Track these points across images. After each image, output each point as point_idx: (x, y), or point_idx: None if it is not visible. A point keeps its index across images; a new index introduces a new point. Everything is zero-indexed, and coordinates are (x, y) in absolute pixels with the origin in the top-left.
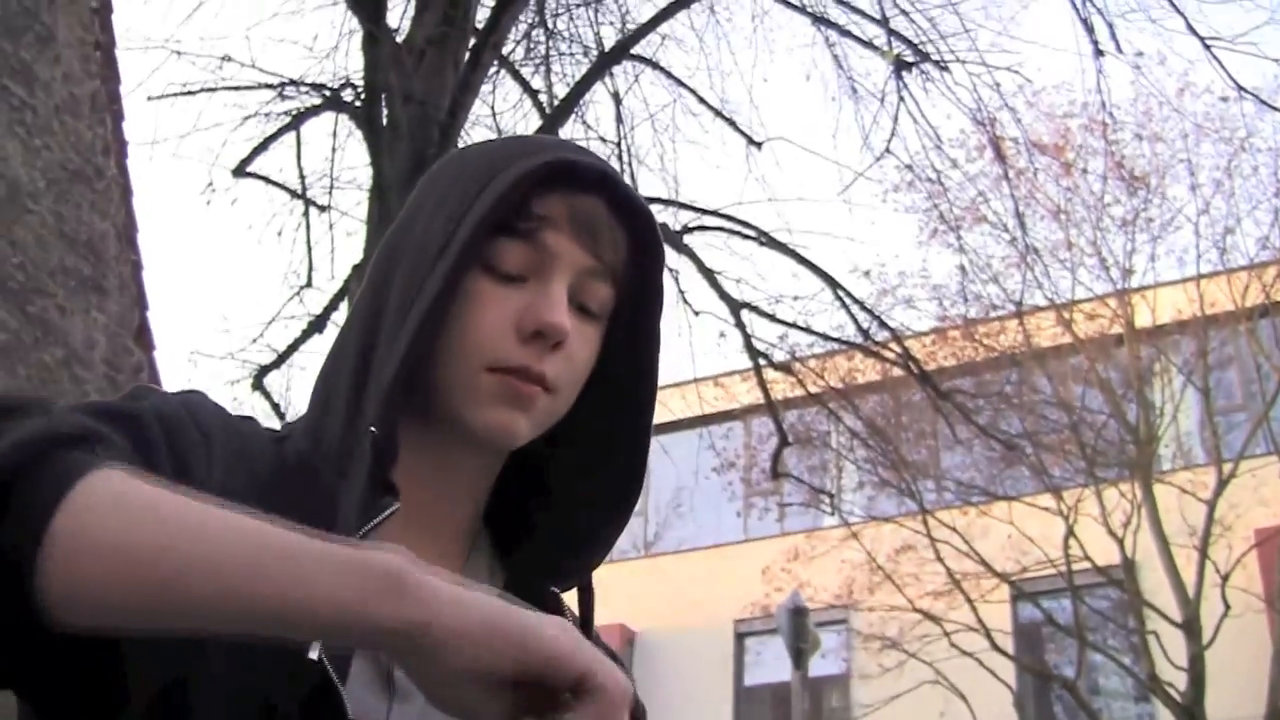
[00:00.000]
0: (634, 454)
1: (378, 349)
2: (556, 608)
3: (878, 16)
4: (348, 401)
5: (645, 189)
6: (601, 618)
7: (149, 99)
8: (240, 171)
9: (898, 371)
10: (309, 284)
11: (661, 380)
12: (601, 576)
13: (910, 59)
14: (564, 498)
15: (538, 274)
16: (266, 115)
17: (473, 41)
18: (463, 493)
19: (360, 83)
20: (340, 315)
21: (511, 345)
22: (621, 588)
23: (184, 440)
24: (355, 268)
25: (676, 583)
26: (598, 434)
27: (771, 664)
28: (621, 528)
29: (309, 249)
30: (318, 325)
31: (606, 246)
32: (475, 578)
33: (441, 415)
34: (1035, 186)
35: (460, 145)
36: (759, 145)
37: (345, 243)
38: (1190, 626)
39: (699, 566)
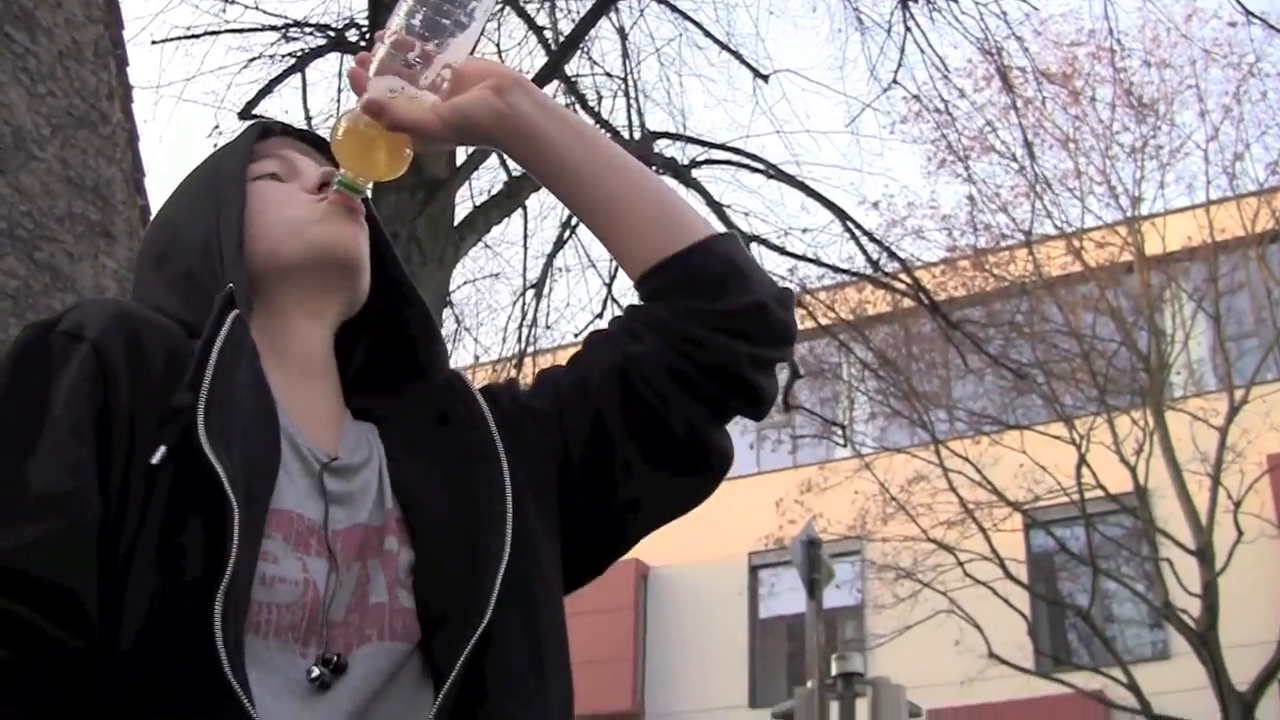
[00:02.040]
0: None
1: (218, 254)
2: (460, 383)
3: None
4: (212, 279)
5: (652, 123)
6: None
7: (153, 43)
8: (246, 114)
9: (908, 302)
10: None
11: None
12: None
13: None
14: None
15: (291, 172)
16: (271, 58)
17: None
18: (320, 365)
19: (364, 22)
20: None
21: (309, 195)
22: None
23: (118, 356)
24: None
25: (689, 517)
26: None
27: (786, 596)
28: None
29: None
30: None
31: (317, 151)
32: (351, 424)
33: (283, 293)
34: (1043, 115)
35: None
36: (766, 78)
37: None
38: (1203, 553)
39: (711, 500)
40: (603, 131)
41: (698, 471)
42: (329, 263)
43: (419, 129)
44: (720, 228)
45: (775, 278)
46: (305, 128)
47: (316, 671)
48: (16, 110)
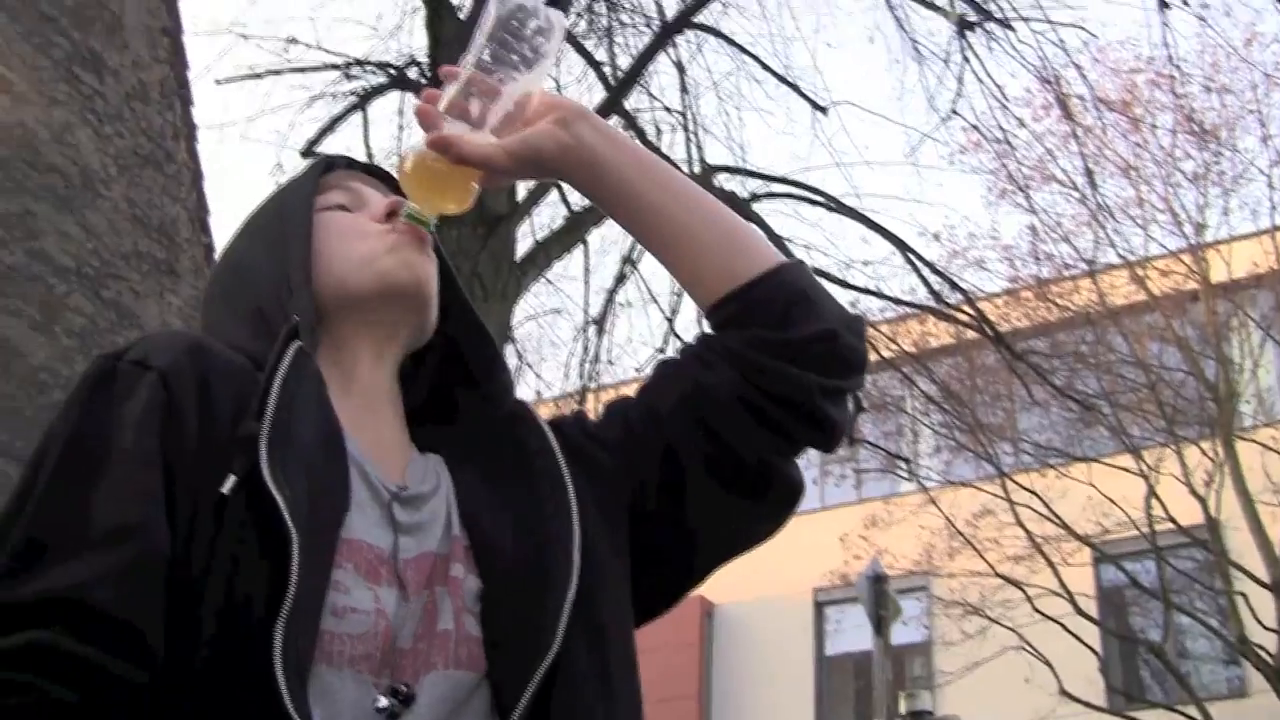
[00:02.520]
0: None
1: (286, 287)
2: (525, 412)
3: None
4: (276, 318)
5: (712, 157)
6: None
7: (217, 83)
8: (308, 153)
9: (971, 334)
10: None
11: None
12: None
13: (973, 18)
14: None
15: (359, 202)
16: (333, 96)
17: None
18: (387, 396)
19: (425, 60)
20: None
21: (378, 226)
22: None
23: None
24: None
25: (754, 554)
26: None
27: (852, 633)
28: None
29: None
30: None
31: (382, 183)
32: (417, 455)
33: (351, 325)
34: (1104, 143)
35: None
36: (824, 110)
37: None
38: (1279, 586)
39: (776, 537)
40: (666, 162)
41: (769, 503)
42: (398, 294)
43: (486, 164)
44: (786, 257)
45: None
46: (369, 163)
47: (385, 702)
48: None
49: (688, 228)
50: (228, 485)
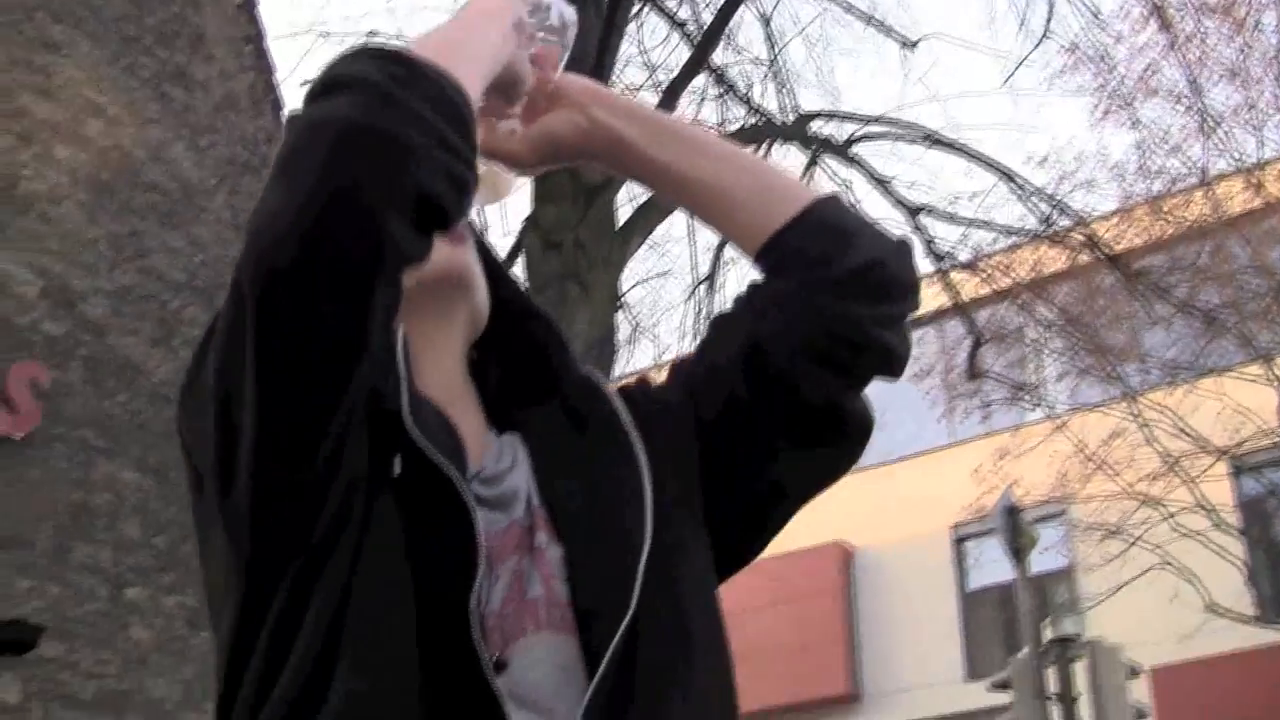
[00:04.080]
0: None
1: None
2: (592, 383)
3: None
4: None
5: (805, 105)
6: (817, 537)
7: (302, 84)
8: None
9: (1086, 257)
10: None
11: None
12: None
13: None
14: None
15: None
16: None
17: None
18: (457, 388)
19: None
20: (517, 269)
21: None
22: (834, 506)
23: None
24: (527, 221)
25: (888, 495)
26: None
27: (993, 566)
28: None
29: (480, 208)
30: None
31: None
32: (492, 435)
33: (407, 323)
34: (1207, 50)
35: (612, 88)
36: (913, 46)
37: (513, 198)
38: None
39: (909, 476)
40: (688, 121)
41: (840, 443)
42: (437, 285)
43: (509, 159)
44: (821, 191)
45: (947, 245)
46: None
47: None
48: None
49: (718, 185)
50: (396, 467)
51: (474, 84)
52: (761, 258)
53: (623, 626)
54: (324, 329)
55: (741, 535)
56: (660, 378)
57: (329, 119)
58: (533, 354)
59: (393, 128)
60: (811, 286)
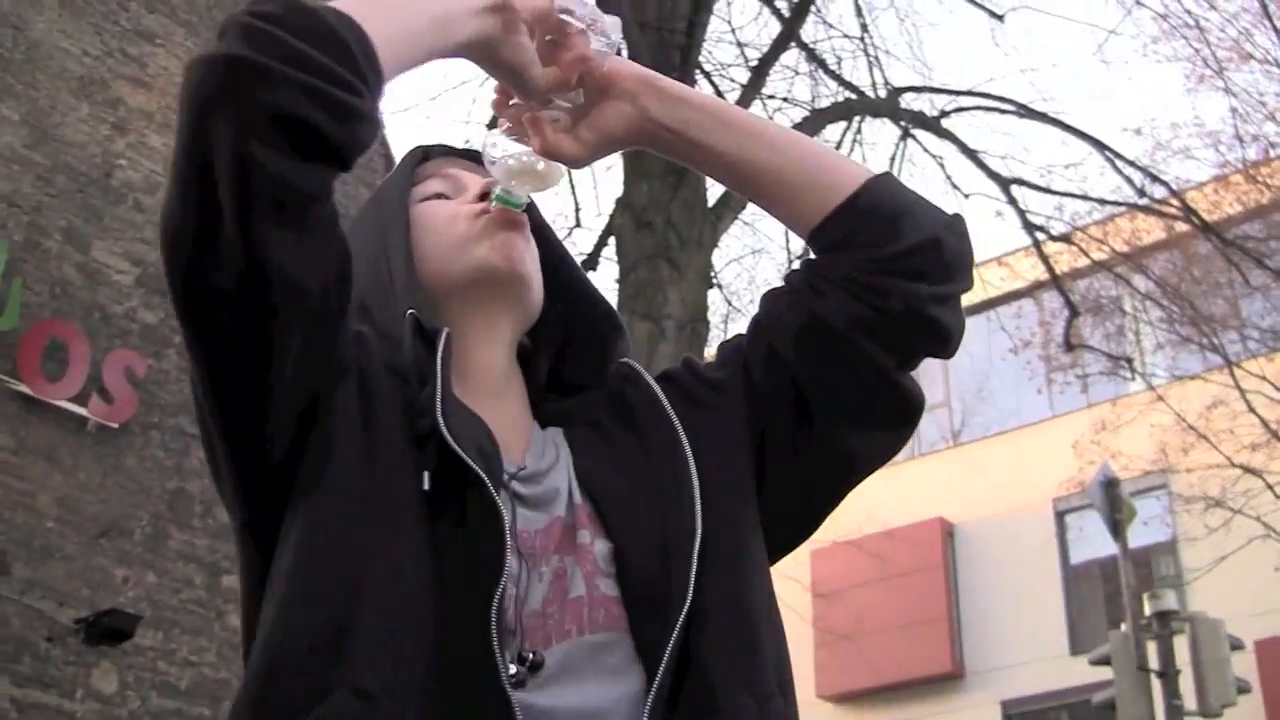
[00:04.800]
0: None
1: (388, 280)
2: (630, 371)
3: None
4: (387, 306)
5: (896, 79)
6: (918, 513)
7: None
8: (494, 125)
9: (1182, 226)
10: (578, 224)
11: None
12: (912, 471)
13: None
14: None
15: (458, 188)
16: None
17: None
18: (502, 381)
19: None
20: (610, 250)
21: (469, 208)
22: (934, 481)
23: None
24: (619, 201)
25: (988, 470)
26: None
27: (1095, 539)
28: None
29: (572, 190)
30: (590, 263)
31: (481, 165)
32: (538, 432)
33: (457, 313)
34: None
35: (701, 65)
36: (1001, 18)
37: (605, 178)
38: None
39: (1009, 450)
40: (737, 106)
41: (895, 422)
42: (492, 279)
43: (563, 157)
44: (872, 170)
45: (1041, 217)
46: (465, 146)
47: (514, 669)
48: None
49: (771, 168)
50: (425, 482)
51: (389, 29)
52: (816, 238)
53: (680, 620)
54: (225, 267)
55: (800, 512)
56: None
57: (195, 60)
58: (588, 340)
59: (245, 53)
60: (870, 265)
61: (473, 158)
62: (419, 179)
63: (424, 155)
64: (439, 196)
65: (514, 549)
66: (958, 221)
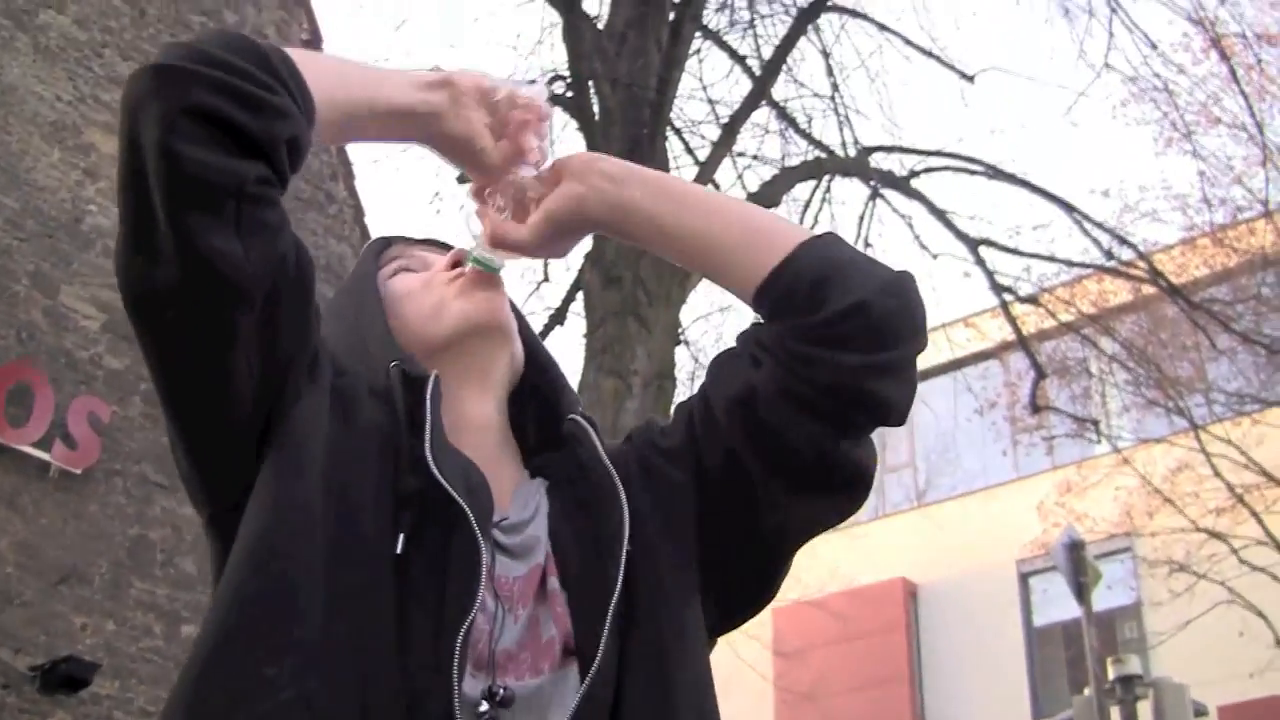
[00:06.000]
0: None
1: (364, 350)
2: (579, 429)
3: None
4: (370, 362)
5: (866, 138)
6: (881, 573)
7: None
8: (464, 178)
9: (1149, 289)
10: (545, 279)
11: None
12: (876, 531)
13: None
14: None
15: (424, 265)
16: None
17: (672, 16)
18: (492, 435)
19: (567, 74)
20: (578, 305)
21: (444, 274)
22: (898, 541)
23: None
24: (587, 257)
25: (953, 530)
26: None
27: (1060, 601)
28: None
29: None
30: (558, 318)
31: (442, 249)
32: (526, 483)
33: (446, 368)
34: (1267, 79)
35: (672, 122)
36: (971, 79)
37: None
38: None
39: (973, 511)
40: (679, 178)
41: (836, 488)
42: (475, 332)
43: (509, 244)
44: (815, 231)
45: (1009, 278)
46: (425, 236)
47: (484, 707)
48: None
49: (708, 237)
50: (399, 546)
51: (319, 66)
52: (758, 304)
53: (592, 670)
54: (165, 264)
55: (748, 577)
56: None
57: (130, 75)
58: (547, 396)
59: (169, 61)
60: (798, 334)
61: (433, 244)
62: (384, 263)
63: (386, 244)
64: (405, 270)
65: (491, 590)
66: (898, 281)
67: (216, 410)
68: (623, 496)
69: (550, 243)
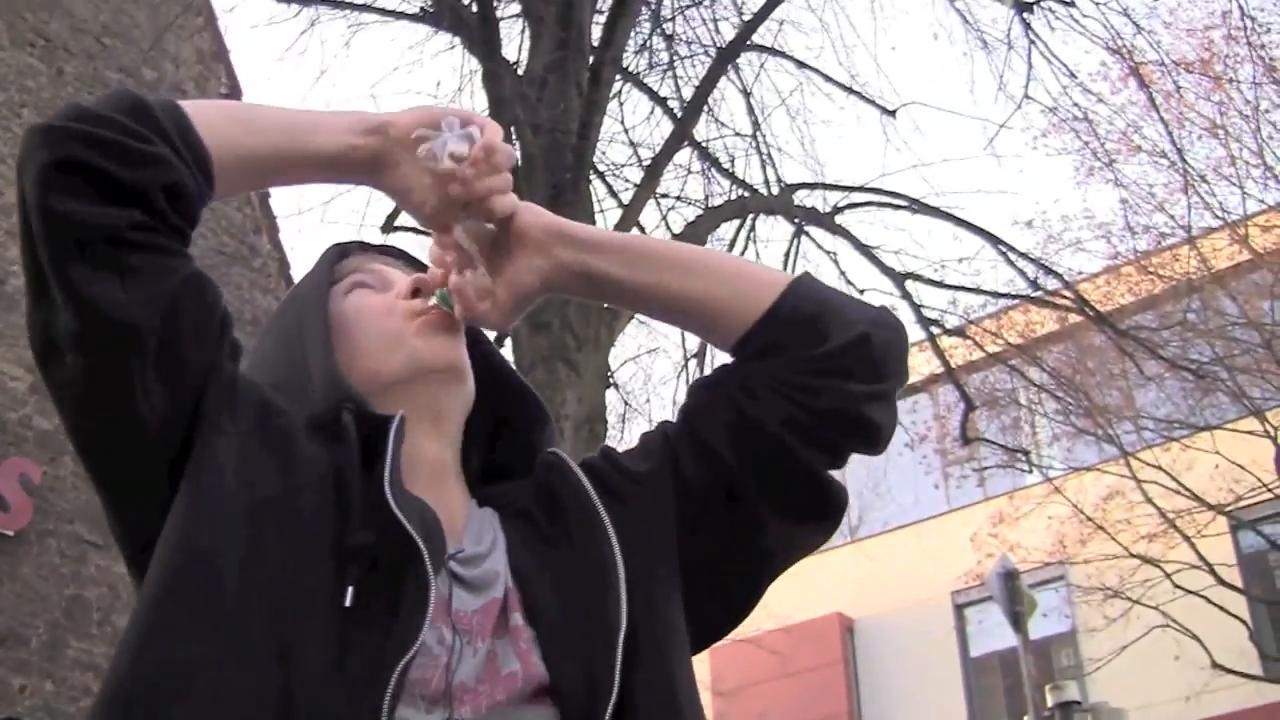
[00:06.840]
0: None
1: (305, 374)
2: (556, 460)
3: None
4: (301, 396)
5: (789, 176)
6: (817, 609)
7: None
8: (388, 227)
9: (1076, 317)
10: None
11: None
12: (811, 567)
13: None
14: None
15: (383, 283)
16: None
17: (591, 60)
18: (443, 469)
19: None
20: (506, 352)
21: (405, 304)
22: (833, 576)
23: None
24: None
25: (887, 564)
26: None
27: (996, 631)
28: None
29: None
30: None
31: (402, 262)
32: (475, 512)
33: (400, 403)
34: (1186, 106)
35: (595, 166)
36: (893, 114)
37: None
38: None
39: (907, 544)
40: (647, 237)
41: (822, 517)
42: (432, 376)
43: (484, 323)
44: (792, 273)
45: (936, 311)
46: (383, 243)
47: None
48: None
49: (686, 292)
50: (348, 599)
51: (224, 117)
52: (744, 345)
53: (610, 706)
54: (59, 314)
55: (728, 601)
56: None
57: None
58: (517, 430)
59: (49, 122)
60: (805, 366)
61: (391, 254)
62: (339, 276)
63: (342, 252)
64: (363, 286)
65: (449, 623)
66: (885, 314)
67: (123, 452)
68: (610, 531)
69: (519, 312)
